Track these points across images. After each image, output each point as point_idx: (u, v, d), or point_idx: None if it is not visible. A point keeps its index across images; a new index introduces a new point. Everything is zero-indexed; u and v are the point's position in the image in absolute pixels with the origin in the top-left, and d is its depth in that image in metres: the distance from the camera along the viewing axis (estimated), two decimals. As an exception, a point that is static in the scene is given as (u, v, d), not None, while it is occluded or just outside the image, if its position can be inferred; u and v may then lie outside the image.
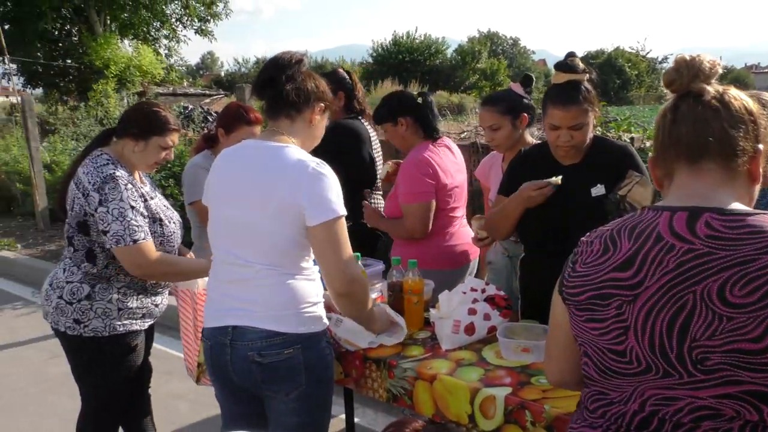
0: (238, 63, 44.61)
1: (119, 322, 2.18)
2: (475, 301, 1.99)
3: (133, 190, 2.15)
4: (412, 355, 1.93)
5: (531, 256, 2.27)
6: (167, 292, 2.39)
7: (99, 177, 2.11)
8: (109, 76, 17.21)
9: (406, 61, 34.63)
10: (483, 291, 2.03)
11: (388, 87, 22.66)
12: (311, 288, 1.78)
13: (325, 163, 1.74)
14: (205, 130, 4.41)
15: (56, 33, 19.06)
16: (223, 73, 48.04)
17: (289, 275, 1.73)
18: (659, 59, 43.89)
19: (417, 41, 36.59)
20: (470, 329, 1.94)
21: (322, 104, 1.84)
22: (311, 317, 1.76)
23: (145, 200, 2.20)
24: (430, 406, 1.77)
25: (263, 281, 1.72)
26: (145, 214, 2.16)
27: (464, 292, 2.01)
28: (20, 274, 6.23)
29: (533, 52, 60.30)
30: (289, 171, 1.70)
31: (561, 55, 2.18)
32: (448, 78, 34.82)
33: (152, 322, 2.33)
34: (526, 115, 2.58)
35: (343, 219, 1.72)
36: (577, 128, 2.01)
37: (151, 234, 2.17)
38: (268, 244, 1.72)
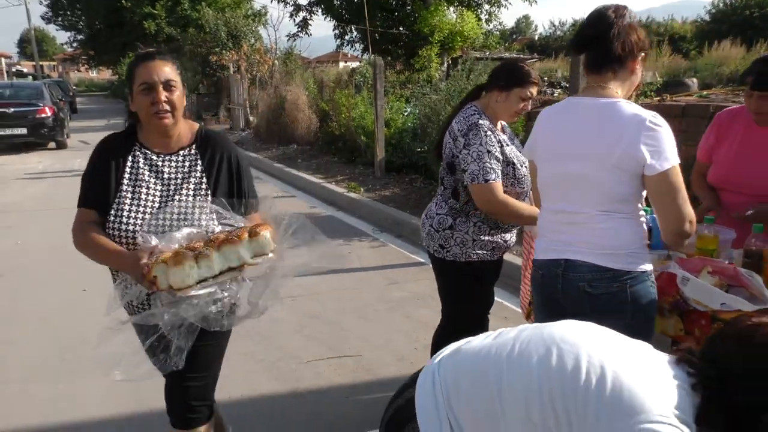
0: (554, 26, 43.71)
1: (473, 251, 2.53)
2: None
3: (492, 136, 2.44)
4: (769, 324, 1.83)
5: None
6: (515, 231, 2.66)
7: (466, 124, 2.46)
8: (433, 42, 18.61)
9: (754, 17, 29.79)
10: None
11: (726, 48, 19.86)
12: (640, 230, 1.91)
13: (658, 114, 1.81)
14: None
15: (393, 3, 21.12)
16: (536, 37, 47.65)
17: (621, 219, 1.88)
18: None
19: (771, -7, 31.15)
20: None
21: (644, 53, 1.91)
22: (639, 256, 1.89)
23: (502, 146, 2.48)
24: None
25: (598, 225, 1.89)
26: (500, 158, 2.44)
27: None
28: (364, 213, 7.34)
29: None
30: (628, 125, 1.80)
31: None
32: (810, 36, 29.02)
33: (501, 255, 2.64)
34: None
35: (678, 166, 1.80)
36: None
37: (505, 175, 2.46)
38: (604, 193, 1.86)
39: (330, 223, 7.07)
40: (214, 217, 1.92)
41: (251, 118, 15.58)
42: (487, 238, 2.54)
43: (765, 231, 2.12)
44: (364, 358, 3.64)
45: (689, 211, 1.82)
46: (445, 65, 16.88)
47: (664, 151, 1.78)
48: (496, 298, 2.86)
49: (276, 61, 16.52)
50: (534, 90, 2.52)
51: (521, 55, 25.80)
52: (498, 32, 23.34)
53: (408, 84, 13.32)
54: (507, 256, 2.86)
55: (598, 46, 1.90)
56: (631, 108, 1.84)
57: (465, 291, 2.65)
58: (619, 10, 1.89)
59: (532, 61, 23.43)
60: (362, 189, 8.18)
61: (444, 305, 2.77)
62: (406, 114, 9.96)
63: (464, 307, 2.68)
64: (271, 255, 1.83)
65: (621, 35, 1.86)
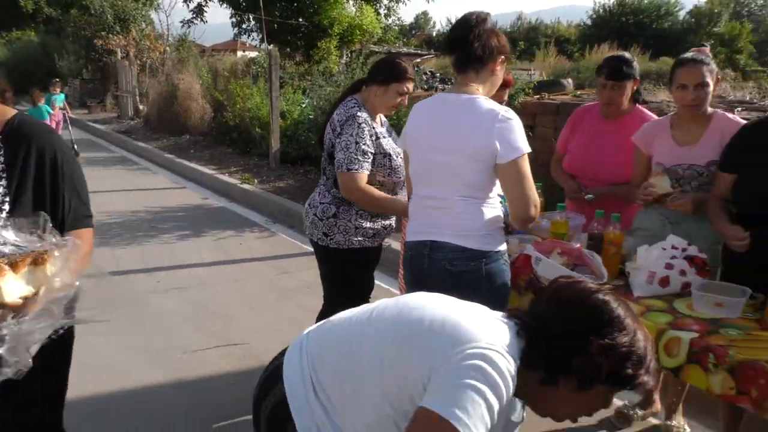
0: (451, 23, 44.94)
1: (355, 238, 2.65)
2: (673, 257, 2.07)
3: (366, 129, 2.56)
4: (603, 297, 2.08)
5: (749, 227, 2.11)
6: (395, 217, 2.80)
7: (345, 115, 2.58)
8: (332, 34, 18.63)
9: (629, 24, 32.16)
10: (684, 250, 2.10)
11: (605, 52, 21.35)
12: (494, 214, 2.11)
13: (510, 109, 2.02)
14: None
15: (293, -7, 20.86)
16: (434, 33, 48.73)
17: (478, 204, 2.07)
18: None
19: (646, 2, 33.72)
20: (664, 281, 2.04)
21: (503, 56, 2.12)
22: (493, 238, 2.10)
23: (378, 139, 2.61)
24: (617, 343, 1.93)
25: (457, 209, 2.07)
26: (370, 150, 2.57)
27: (664, 248, 2.10)
28: (257, 204, 7.30)
29: (787, 15, 51.71)
30: (484, 119, 1.99)
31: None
32: (677, 43, 31.69)
33: (381, 242, 2.77)
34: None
35: (526, 156, 2.00)
36: None
37: (382, 166, 2.60)
38: (464, 181, 2.05)
39: (222, 214, 6.99)
40: (4, 234, 1.46)
41: (141, 107, 14.93)
42: (369, 225, 2.66)
43: (605, 216, 2.39)
44: (252, 346, 3.67)
45: (534, 197, 2.03)
46: (344, 58, 16.92)
47: (514, 141, 1.97)
48: (376, 282, 2.99)
49: (168, 48, 15.90)
50: (410, 86, 2.66)
51: (420, 51, 26.33)
52: (397, 27, 23.64)
53: (307, 76, 13.28)
54: (386, 242, 3.00)
55: (462, 47, 2.08)
56: (488, 104, 2.03)
57: (347, 277, 2.76)
58: (481, 16, 2.08)
59: (428, 57, 24.00)
60: (256, 180, 8.11)
61: (326, 291, 2.87)
62: (303, 106, 9.95)
63: (346, 293, 2.78)
64: (42, 293, 1.39)
65: (481, 38, 2.05)
